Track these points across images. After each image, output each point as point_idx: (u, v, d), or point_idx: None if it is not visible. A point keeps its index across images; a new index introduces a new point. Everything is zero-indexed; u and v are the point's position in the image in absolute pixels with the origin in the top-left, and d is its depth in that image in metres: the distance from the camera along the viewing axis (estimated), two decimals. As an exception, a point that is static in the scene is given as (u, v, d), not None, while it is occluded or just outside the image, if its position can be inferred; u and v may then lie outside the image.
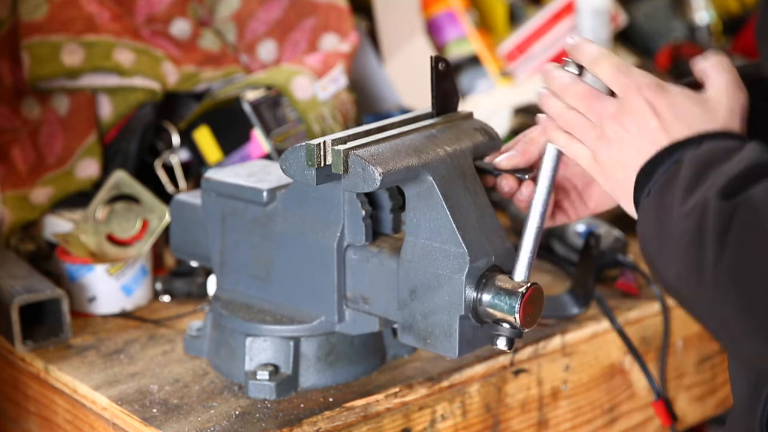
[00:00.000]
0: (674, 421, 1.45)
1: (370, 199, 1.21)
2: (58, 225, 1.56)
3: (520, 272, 1.11)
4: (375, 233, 1.21)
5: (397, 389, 1.24)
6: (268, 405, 1.21)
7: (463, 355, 1.14)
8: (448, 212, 1.11)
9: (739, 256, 0.84)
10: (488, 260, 1.13)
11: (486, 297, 1.11)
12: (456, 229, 1.11)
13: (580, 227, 1.55)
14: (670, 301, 1.48)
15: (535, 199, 1.10)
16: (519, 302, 1.09)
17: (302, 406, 1.21)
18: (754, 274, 0.83)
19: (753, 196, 0.84)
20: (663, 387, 1.48)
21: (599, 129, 1.01)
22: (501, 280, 1.11)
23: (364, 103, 1.95)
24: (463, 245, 1.11)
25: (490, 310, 1.11)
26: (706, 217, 0.86)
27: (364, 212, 1.19)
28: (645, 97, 0.98)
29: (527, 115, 1.98)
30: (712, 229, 0.85)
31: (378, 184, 1.08)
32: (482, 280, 1.11)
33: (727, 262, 0.85)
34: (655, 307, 1.47)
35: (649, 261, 0.97)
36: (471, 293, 1.11)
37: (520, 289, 1.09)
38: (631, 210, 1.01)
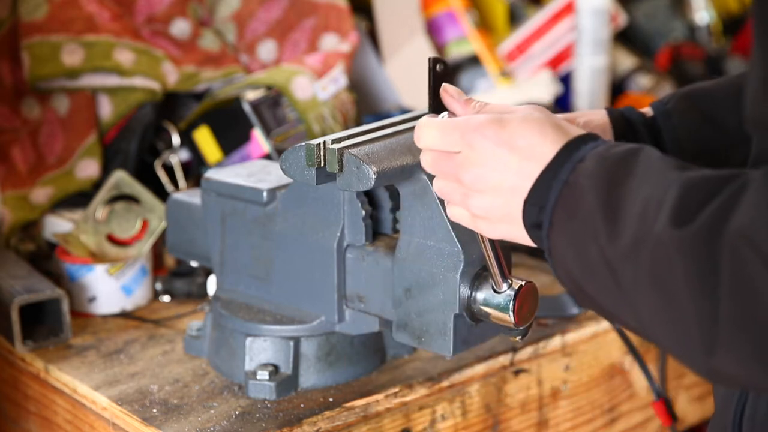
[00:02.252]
0: (674, 421, 1.45)
1: (370, 199, 1.21)
2: (58, 225, 1.56)
3: (499, 281, 1.10)
4: (375, 233, 1.21)
5: (397, 389, 1.24)
6: (268, 405, 1.21)
7: (457, 353, 1.14)
8: (442, 211, 1.11)
9: (737, 306, 0.75)
10: (483, 259, 1.13)
11: (480, 295, 1.11)
12: (450, 227, 1.11)
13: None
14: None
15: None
16: (513, 300, 1.09)
17: (302, 406, 1.21)
18: (757, 322, 0.74)
19: (733, 231, 0.75)
20: (663, 387, 1.48)
21: (462, 186, 0.95)
22: None
23: (364, 103, 1.95)
24: (458, 244, 1.11)
25: (485, 309, 1.11)
26: (662, 256, 0.78)
27: (364, 212, 1.19)
28: (489, 137, 0.92)
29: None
30: (690, 272, 0.76)
31: (372, 182, 1.08)
32: (477, 278, 1.12)
33: (726, 312, 0.75)
34: (655, 307, 1.47)
35: (581, 301, 0.90)
36: (465, 292, 1.11)
37: (514, 287, 1.10)
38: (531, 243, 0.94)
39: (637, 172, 0.84)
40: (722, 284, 0.75)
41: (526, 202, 0.90)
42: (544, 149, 0.90)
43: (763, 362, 0.75)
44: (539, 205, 0.89)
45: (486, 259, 1.08)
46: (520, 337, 1.13)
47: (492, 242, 1.05)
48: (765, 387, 0.81)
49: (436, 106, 1.16)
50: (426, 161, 0.99)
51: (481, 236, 1.04)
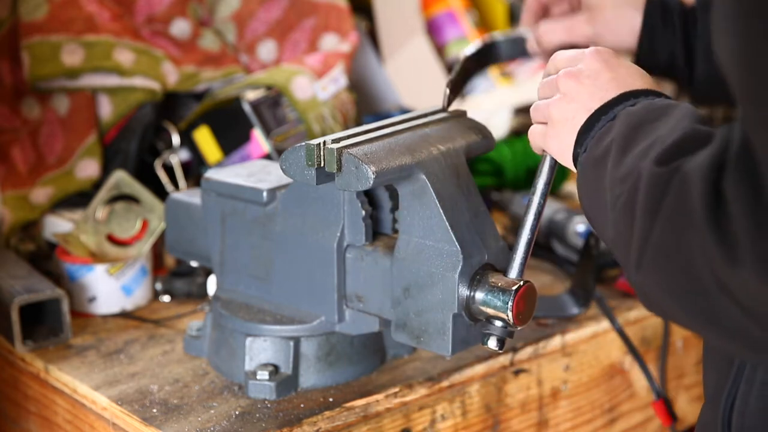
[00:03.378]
0: (674, 421, 1.45)
1: (370, 199, 1.21)
2: (58, 225, 1.56)
3: (515, 270, 1.11)
4: (375, 233, 1.21)
5: (397, 389, 1.24)
6: (268, 405, 1.21)
7: (456, 353, 1.14)
8: (441, 211, 1.12)
9: (664, 233, 0.84)
10: (481, 258, 1.13)
11: (479, 295, 1.11)
12: (449, 227, 1.11)
13: (580, 227, 1.55)
14: (670, 301, 1.48)
15: (532, 200, 1.10)
16: (512, 300, 1.09)
17: (302, 406, 1.21)
18: (676, 252, 0.83)
19: (686, 169, 0.84)
20: (663, 387, 1.48)
21: (554, 98, 1.05)
22: (494, 278, 1.11)
23: (364, 103, 1.95)
24: (457, 243, 1.11)
25: (483, 308, 1.11)
26: (638, 185, 0.87)
27: (364, 212, 1.19)
28: (599, 57, 1.04)
29: (527, 115, 1.99)
30: (644, 198, 0.86)
31: (371, 182, 1.08)
32: (475, 278, 1.12)
33: (655, 236, 0.85)
34: (655, 307, 1.47)
35: (588, 219, 1.00)
36: (464, 291, 1.11)
37: (513, 287, 1.10)
38: (567, 161, 1.05)
39: (664, 119, 0.93)
40: (661, 211, 0.84)
41: (580, 129, 1.01)
42: (630, 82, 1.01)
43: (671, 291, 0.85)
44: (587, 133, 1.00)
45: (518, 240, 1.10)
46: (498, 347, 1.12)
47: (533, 231, 1.10)
48: (674, 316, 0.89)
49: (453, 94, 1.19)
50: (542, 84, 1.09)
51: (527, 221, 1.10)
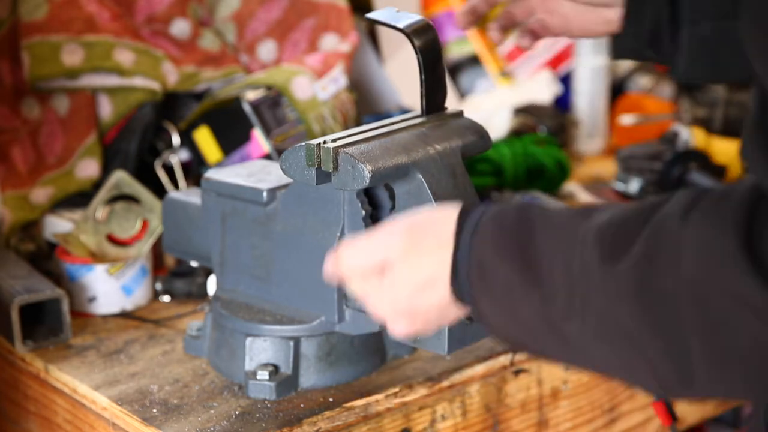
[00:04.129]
0: (674, 421, 1.45)
1: (371, 198, 1.21)
2: (58, 225, 1.56)
3: None
4: (375, 233, 1.21)
5: (397, 389, 1.24)
6: (268, 405, 1.21)
7: (453, 352, 1.14)
8: None
9: (713, 338, 0.75)
10: None
11: None
12: None
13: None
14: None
15: None
16: None
17: (302, 406, 1.21)
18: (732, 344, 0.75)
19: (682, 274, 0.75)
20: (663, 387, 1.48)
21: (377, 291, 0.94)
22: None
23: (364, 103, 1.95)
24: None
25: None
26: (609, 304, 0.78)
27: (364, 212, 1.19)
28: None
29: (527, 115, 1.99)
30: (642, 312, 0.77)
31: (367, 181, 1.08)
32: None
33: (702, 348, 0.75)
34: (655, 307, 1.47)
35: (539, 356, 0.91)
36: None
37: None
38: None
39: (540, 232, 0.84)
40: (685, 320, 0.75)
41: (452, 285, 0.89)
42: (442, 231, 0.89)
43: (747, 381, 0.76)
44: (458, 289, 0.88)
45: None
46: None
47: None
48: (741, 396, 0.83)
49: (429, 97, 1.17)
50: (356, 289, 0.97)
51: None
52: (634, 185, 1.80)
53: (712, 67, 1.17)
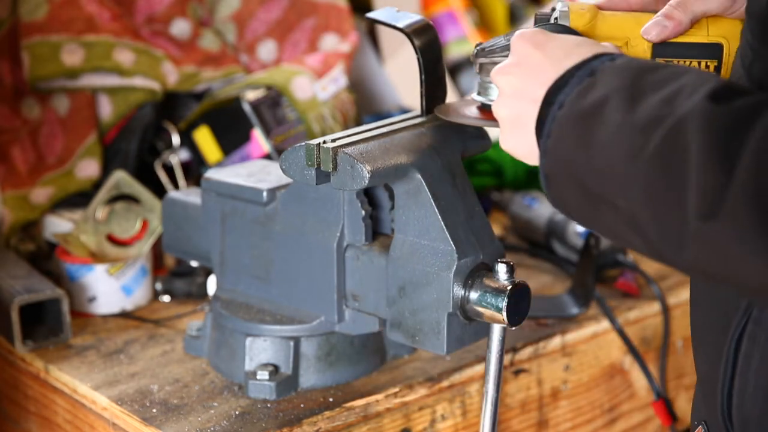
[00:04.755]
0: (674, 421, 1.45)
1: (370, 198, 1.21)
2: (58, 225, 1.56)
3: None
4: (375, 233, 1.21)
5: (397, 389, 1.24)
6: (268, 405, 1.21)
7: (451, 352, 1.14)
8: (436, 210, 1.12)
9: (761, 170, 0.76)
10: (476, 258, 1.13)
11: (474, 295, 1.11)
12: (444, 226, 1.11)
13: (580, 227, 1.55)
14: (671, 301, 1.48)
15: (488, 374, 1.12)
16: (505, 300, 1.09)
17: (302, 406, 1.21)
18: None
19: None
20: (663, 387, 1.48)
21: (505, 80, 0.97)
22: (488, 278, 1.11)
23: (364, 103, 1.95)
24: (452, 243, 1.11)
25: (478, 308, 1.11)
26: (685, 127, 0.79)
27: (363, 212, 1.19)
28: (522, 40, 0.96)
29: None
30: (706, 140, 0.78)
31: (366, 181, 1.08)
32: (470, 277, 1.12)
33: (742, 177, 0.76)
34: (655, 307, 1.47)
35: (563, 172, 0.89)
36: (459, 290, 1.11)
37: (508, 288, 1.10)
38: (533, 159, 0.94)
39: (665, 71, 0.85)
40: (742, 157, 0.76)
41: (550, 88, 0.91)
42: (581, 53, 0.92)
43: (764, 230, 0.75)
44: (561, 90, 0.90)
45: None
46: None
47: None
48: (755, 257, 0.78)
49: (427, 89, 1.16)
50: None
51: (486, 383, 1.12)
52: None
53: None
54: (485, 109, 1.11)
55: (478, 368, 1.30)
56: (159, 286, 1.48)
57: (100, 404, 1.24)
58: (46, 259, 1.53)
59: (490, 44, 1.09)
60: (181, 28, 1.76)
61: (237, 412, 1.20)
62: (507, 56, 0.99)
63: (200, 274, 1.48)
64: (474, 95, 1.13)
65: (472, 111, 1.12)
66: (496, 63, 1.05)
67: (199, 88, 1.72)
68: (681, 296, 1.50)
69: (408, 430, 1.26)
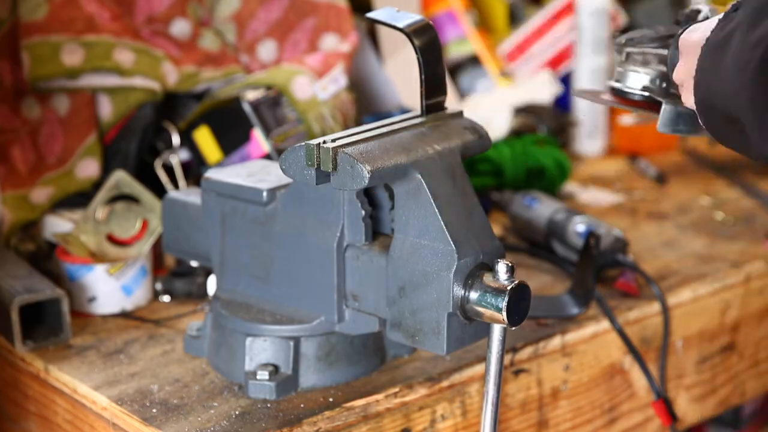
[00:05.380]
0: (674, 421, 1.45)
1: (370, 198, 1.21)
2: (58, 225, 1.56)
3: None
4: (375, 233, 1.21)
5: (397, 389, 1.24)
6: (268, 405, 1.21)
7: (451, 352, 1.14)
8: (436, 210, 1.12)
9: None
10: (476, 258, 1.13)
11: (474, 295, 1.11)
12: (444, 226, 1.11)
13: (580, 227, 1.55)
14: (671, 301, 1.48)
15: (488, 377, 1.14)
16: (505, 300, 1.09)
17: (302, 406, 1.21)
18: None
19: None
20: (663, 387, 1.48)
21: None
22: (488, 278, 1.11)
23: (364, 103, 1.95)
24: (452, 243, 1.11)
25: (477, 308, 1.11)
26: None
27: (363, 212, 1.19)
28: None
29: (527, 115, 1.99)
30: None
31: (366, 181, 1.08)
32: (470, 277, 1.12)
33: None
34: (655, 307, 1.47)
35: (705, 101, 1.01)
36: (459, 291, 1.12)
37: (508, 288, 1.10)
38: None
39: None
40: None
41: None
42: None
43: None
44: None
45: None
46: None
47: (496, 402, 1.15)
48: None
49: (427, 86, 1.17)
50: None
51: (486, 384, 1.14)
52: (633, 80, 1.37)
53: None
54: (620, 95, 1.25)
55: (478, 368, 1.30)
56: (159, 286, 1.48)
57: (100, 404, 1.24)
58: (46, 259, 1.53)
59: (638, 35, 1.22)
60: (181, 28, 1.76)
61: (237, 412, 1.20)
62: (655, 47, 1.17)
63: (200, 274, 1.48)
64: (612, 82, 1.26)
65: (608, 97, 1.26)
66: (645, 53, 1.21)
67: (199, 88, 1.72)
68: (681, 296, 1.50)
69: (408, 430, 1.26)
